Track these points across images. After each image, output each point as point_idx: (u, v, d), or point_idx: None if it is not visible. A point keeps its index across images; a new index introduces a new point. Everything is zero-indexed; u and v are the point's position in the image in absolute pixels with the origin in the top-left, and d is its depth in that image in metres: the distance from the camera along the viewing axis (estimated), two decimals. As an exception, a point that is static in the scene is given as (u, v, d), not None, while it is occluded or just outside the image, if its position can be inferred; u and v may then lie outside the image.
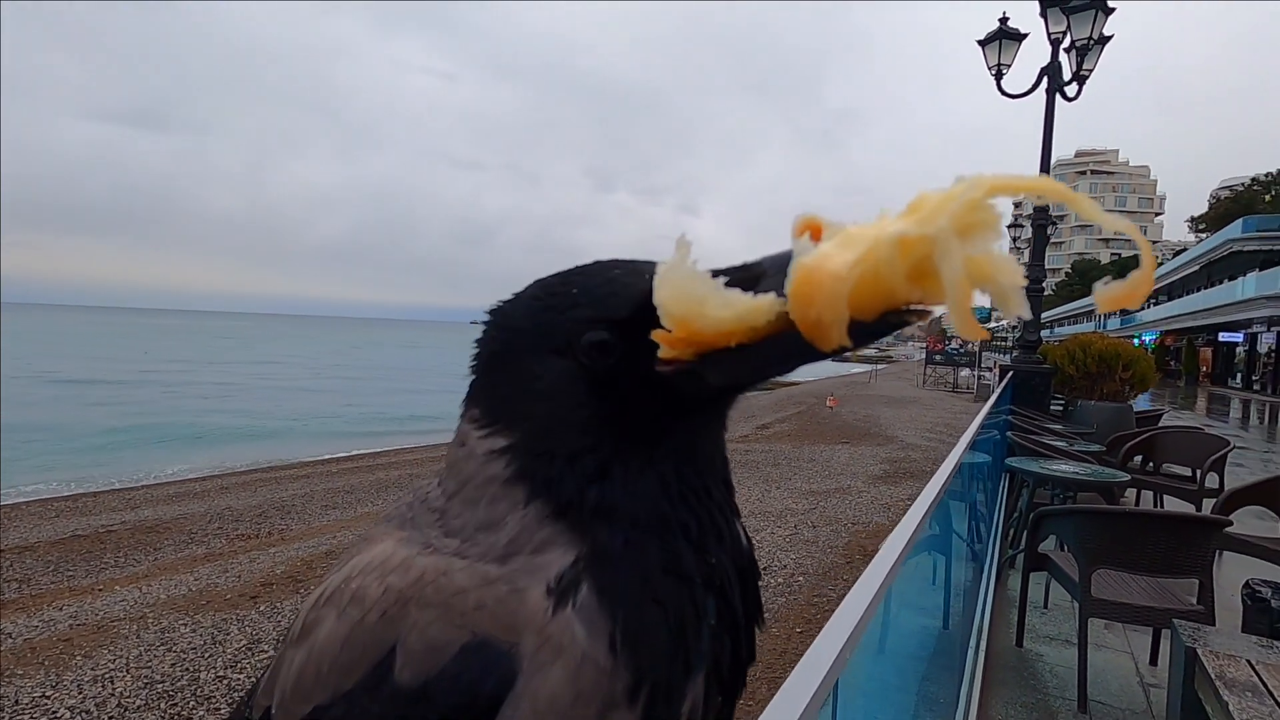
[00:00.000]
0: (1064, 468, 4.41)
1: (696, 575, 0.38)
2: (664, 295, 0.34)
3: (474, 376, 0.43)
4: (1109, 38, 7.59)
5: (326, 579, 0.42)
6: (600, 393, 0.38)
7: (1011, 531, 4.99)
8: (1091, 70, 7.78)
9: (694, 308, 0.33)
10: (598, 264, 0.40)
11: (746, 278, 0.34)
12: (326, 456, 13.70)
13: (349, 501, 8.60)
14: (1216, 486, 5.24)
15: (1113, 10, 7.44)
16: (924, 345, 32.57)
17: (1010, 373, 7.71)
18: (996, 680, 3.10)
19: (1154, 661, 3.26)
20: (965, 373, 28.69)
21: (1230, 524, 2.98)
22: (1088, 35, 7.43)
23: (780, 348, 0.32)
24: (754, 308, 0.32)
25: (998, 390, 6.37)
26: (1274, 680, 2.15)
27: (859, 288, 0.30)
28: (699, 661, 0.37)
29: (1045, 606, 3.96)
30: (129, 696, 3.55)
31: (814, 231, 0.32)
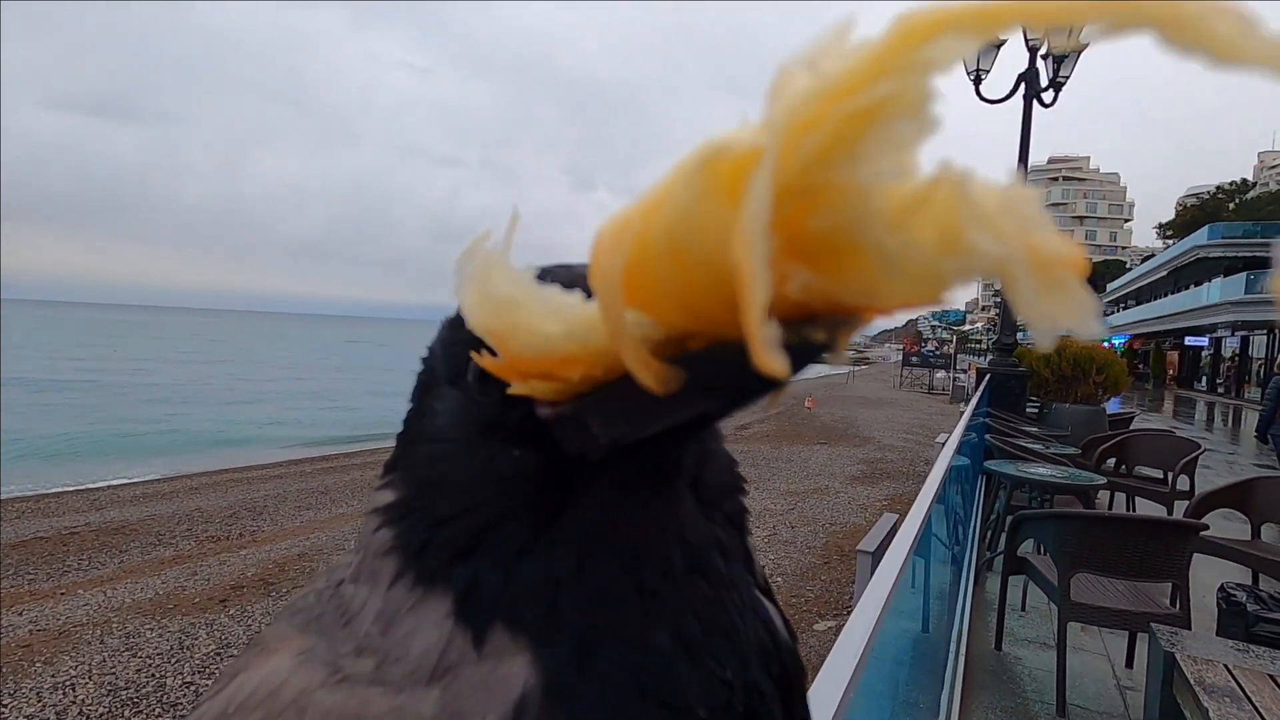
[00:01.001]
0: (1041, 471, 4.46)
1: (702, 704, 0.26)
2: (470, 301, 0.23)
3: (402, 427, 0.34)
4: (1086, 45, 7.71)
5: (202, 706, 0.31)
6: (485, 433, 0.28)
7: (989, 534, 5.04)
8: (1068, 78, 7.90)
9: (506, 319, 0.22)
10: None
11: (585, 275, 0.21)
12: (300, 457, 13.45)
13: (323, 502, 8.45)
14: (1187, 489, 5.34)
15: (1089, 19, 7.56)
16: (900, 347, 32.96)
17: (987, 375, 7.80)
18: (976, 684, 3.11)
19: (1130, 664, 3.30)
20: (941, 375, 29.07)
21: (1206, 528, 3.02)
22: (1065, 43, 7.53)
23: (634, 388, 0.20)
24: (587, 319, 0.21)
25: (976, 394, 6.43)
26: (1251, 685, 2.17)
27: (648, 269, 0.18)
28: None
29: (1023, 609, 3.99)
30: (91, 704, 3.43)
31: None
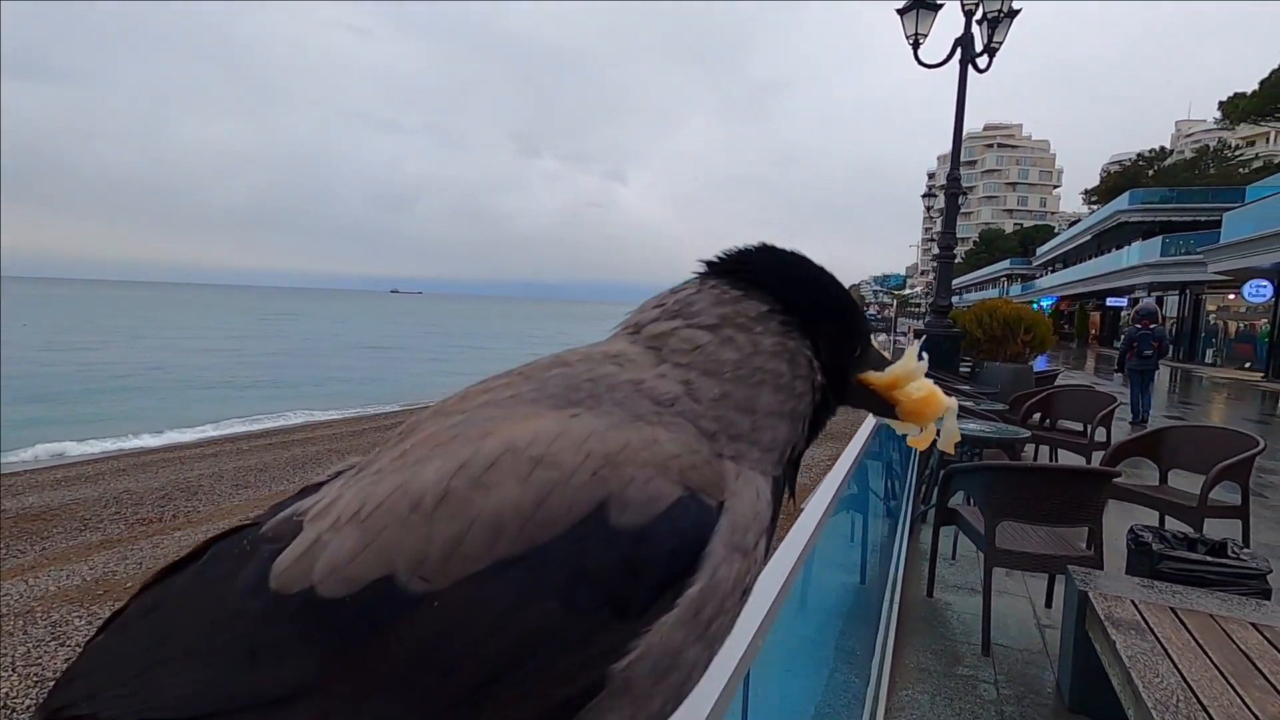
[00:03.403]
0: (971, 426, 4.66)
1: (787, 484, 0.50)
2: (903, 369, 0.53)
3: (772, 292, 0.48)
4: (1018, 11, 7.87)
5: (418, 445, 0.41)
6: (817, 367, 0.49)
7: (924, 488, 5.26)
8: (1001, 43, 8.06)
9: (905, 380, 0.53)
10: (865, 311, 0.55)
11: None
12: (234, 433, 12.96)
13: (262, 480, 8.18)
14: (1104, 440, 5.68)
15: (1021, -16, 7.71)
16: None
17: (923, 336, 8.06)
18: (908, 629, 3.27)
19: (1049, 604, 3.52)
20: (882, 338, 29.94)
21: (1119, 475, 3.22)
22: (998, 7, 7.67)
23: (887, 408, 0.53)
24: (917, 391, 0.53)
25: (913, 350, 6.64)
26: (1154, 617, 2.35)
27: (922, 402, 0.52)
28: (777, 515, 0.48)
29: (953, 558, 4.20)
30: (16, 696, 3.29)
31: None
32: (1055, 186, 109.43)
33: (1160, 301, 31.93)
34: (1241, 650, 2.12)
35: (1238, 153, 42.92)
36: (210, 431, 13.31)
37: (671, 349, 0.45)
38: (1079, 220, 48.07)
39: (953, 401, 0.53)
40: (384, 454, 0.43)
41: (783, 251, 0.51)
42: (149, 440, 12.41)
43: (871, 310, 32.83)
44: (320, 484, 0.45)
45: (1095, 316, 42.24)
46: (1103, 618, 2.34)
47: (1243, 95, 31.84)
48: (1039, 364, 12.19)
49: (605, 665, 0.35)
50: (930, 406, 0.52)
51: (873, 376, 0.52)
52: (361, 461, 0.45)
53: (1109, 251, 35.64)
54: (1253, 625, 2.28)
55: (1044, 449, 6.20)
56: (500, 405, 0.43)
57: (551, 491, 0.36)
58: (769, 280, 0.48)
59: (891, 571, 3.63)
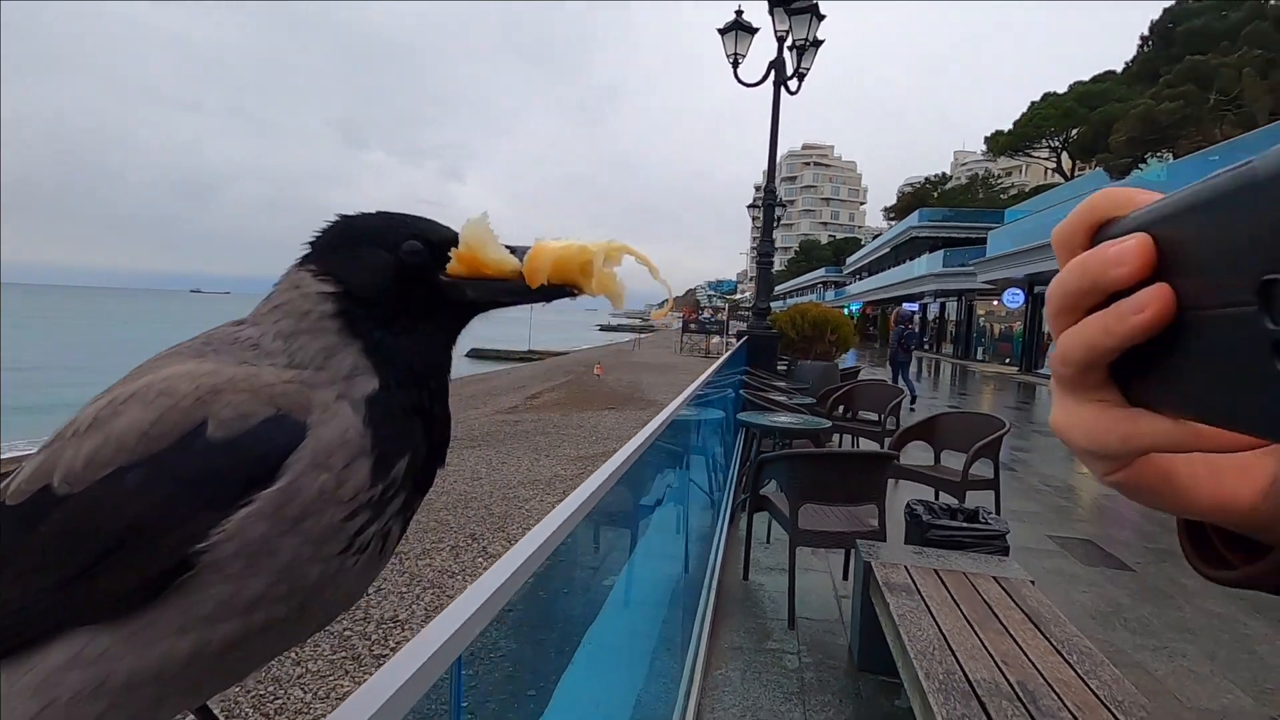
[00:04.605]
0: (783, 419, 5.03)
1: (423, 410, 0.54)
2: (466, 234, 0.54)
3: (311, 250, 0.56)
4: (822, 41, 8.67)
5: (101, 398, 0.49)
6: (401, 278, 0.54)
7: (745, 478, 5.60)
8: (809, 69, 8.84)
9: (479, 247, 0.53)
10: (420, 216, 0.58)
11: (511, 249, 0.54)
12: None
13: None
14: (895, 427, 6.41)
15: (824, 17, 8.51)
16: (681, 315, 35.19)
17: (745, 337, 8.61)
18: (725, 612, 3.45)
19: (846, 577, 3.89)
20: (716, 339, 31.60)
21: (897, 457, 3.63)
22: (805, 36, 8.41)
23: (513, 285, 0.53)
24: (509, 259, 0.53)
25: (729, 352, 7.06)
26: (921, 579, 2.66)
27: (557, 264, 0.51)
28: (409, 448, 0.52)
29: (768, 542, 4.52)
30: None
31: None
32: (862, 203, 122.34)
33: (943, 308, 36.84)
34: (985, 601, 2.48)
35: (1000, 180, 50.62)
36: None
37: (261, 312, 0.56)
38: (880, 234, 54.17)
39: (576, 242, 0.52)
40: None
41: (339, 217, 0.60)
42: None
43: (706, 314, 34.55)
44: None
45: (893, 320, 47.70)
46: (881, 584, 2.62)
47: (1001, 133, 37.67)
48: (848, 361, 13.51)
49: (191, 546, 0.44)
50: (537, 259, 0.51)
51: (451, 267, 0.54)
52: None
53: (904, 262, 40.46)
54: (994, 579, 2.68)
55: (847, 437, 6.88)
56: (164, 358, 0.54)
57: (164, 413, 0.46)
58: (315, 240, 0.57)
59: (710, 559, 3.82)
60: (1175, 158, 21.71)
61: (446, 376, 0.58)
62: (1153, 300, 0.24)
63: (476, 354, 31.76)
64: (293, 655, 3.86)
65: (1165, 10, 30.29)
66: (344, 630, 4.21)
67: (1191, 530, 0.35)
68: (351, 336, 0.52)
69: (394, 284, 0.54)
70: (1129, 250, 0.25)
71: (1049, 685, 1.91)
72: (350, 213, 0.58)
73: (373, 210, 0.58)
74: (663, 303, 0.60)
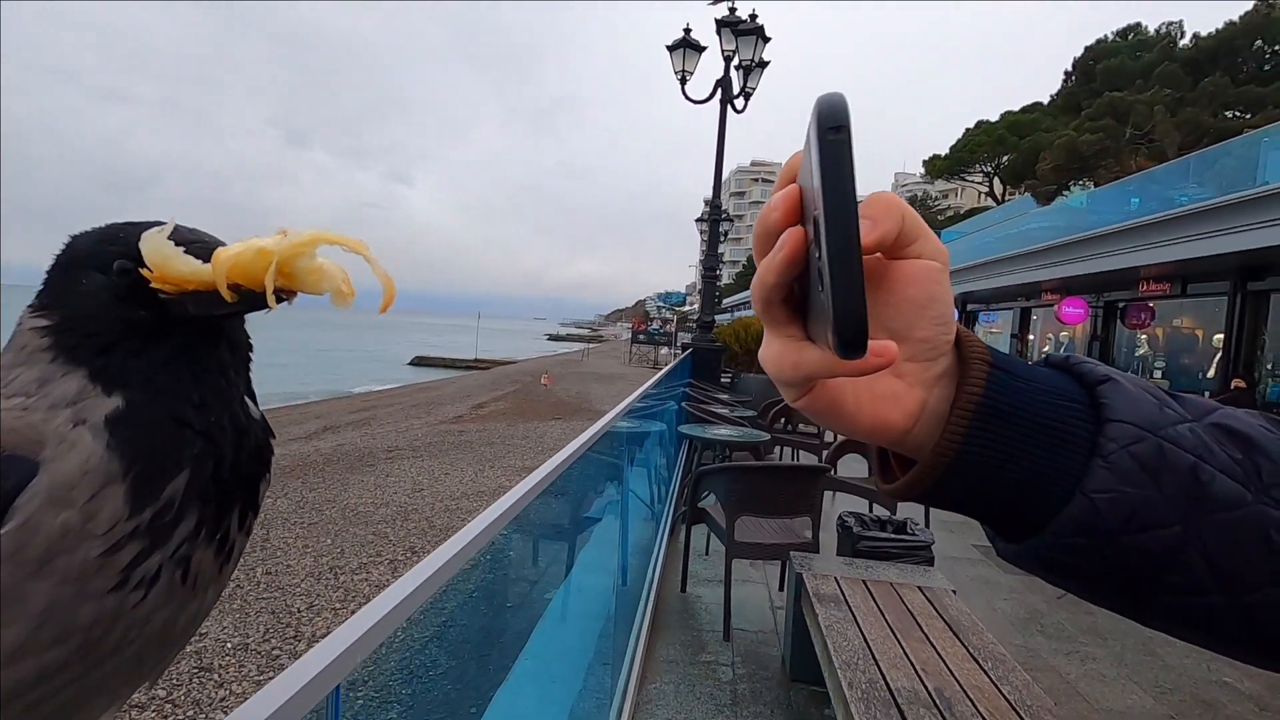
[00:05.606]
0: (723, 431, 5.10)
1: (188, 422, 0.50)
2: (145, 252, 0.50)
3: (44, 282, 0.55)
4: (768, 63, 8.90)
5: None
6: (119, 300, 0.52)
7: (686, 491, 5.64)
8: (755, 89, 9.05)
9: (163, 263, 0.49)
10: (146, 223, 0.54)
11: (205, 251, 0.50)
12: None
13: None
14: (832, 440, 6.57)
15: (770, 39, 8.74)
16: (630, 326, 35.28)
17: (690, 350, 8.70)
18: (662, 624, 3.47)
19: (781, 589, 3.96)
20: (664, 351, 31.81)
21: (831, 470, 3.72)
22: (751, 57, 8.61)
23: (214, 296, 0.49)
24: (201, 270, 0.49)
25: (672, 364, 7.12)
26: (849, 589, 2.73)
27: (234, 269, 0.48)
28: (182, 465, 0.49)
29: (706, 554, 4.56)
30: None
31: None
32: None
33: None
34: (909, 609, 2.56)
35: (937, 202, 52.73)
36: None
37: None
38: (825, 250, 55.51)
39: (269, 240, 0.48)
40: None
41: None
42: None
43: (655, 325, 34.77)
44: None
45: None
46: (812, 595, 2.68)
47: (939, 157, 39.32)
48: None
49: None
50: (216, 267, 0.48)
51: (156, 284, 0.50)
52: None
53: (847, 278, 41.68)
54: (919, 588, 2.77)
55: (787, 450, 7.00)
56: None
57: None
58: (48, 270, 0.56)
59: (648, 571, 3.83)
60: (1095, 186, 23.09)
61: (230, 383, 0.54)
62: (787, 240, 0.28)
63: (421, 361, 31.08)
64: (215, 678, 3.70)
65: (1086, 48, 32.38)
66: (273, 650, 4.05)
67: (881, 458, 0.40)
68: (71, 365, 0.50)
69: (114, 306, 0.52)
70: (778, 198, 0.29)
71: (964, 691, 1.99)
72: (76, 233, 0.56)
73: (101, 226, 0.56)
74: (386, 298, 0.50)
